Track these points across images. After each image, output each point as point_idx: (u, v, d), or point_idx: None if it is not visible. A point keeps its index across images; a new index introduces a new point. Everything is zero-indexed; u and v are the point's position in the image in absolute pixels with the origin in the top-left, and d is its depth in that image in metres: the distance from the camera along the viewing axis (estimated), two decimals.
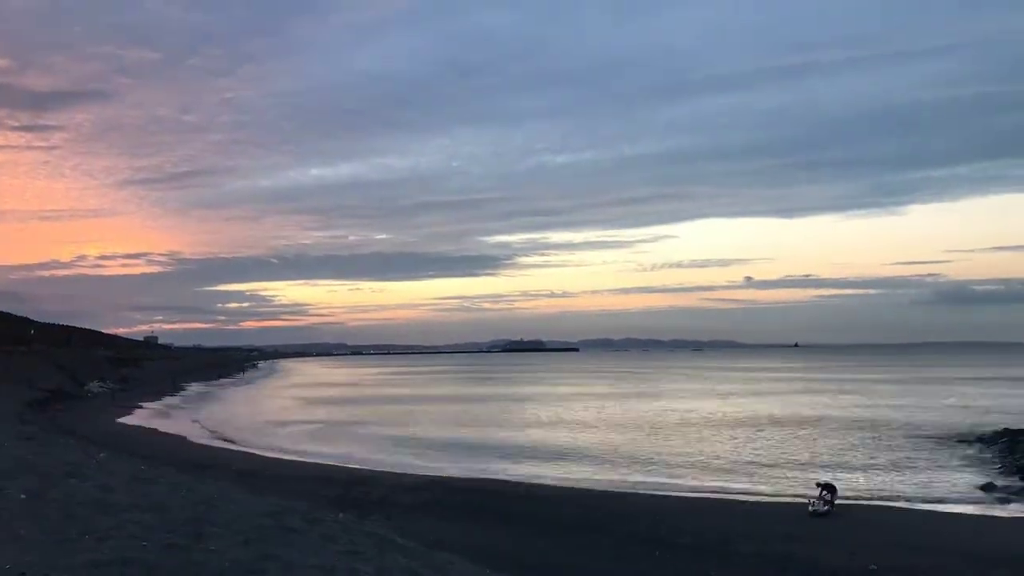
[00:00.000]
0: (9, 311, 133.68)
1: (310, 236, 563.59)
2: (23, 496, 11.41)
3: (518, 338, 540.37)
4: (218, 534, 9.84)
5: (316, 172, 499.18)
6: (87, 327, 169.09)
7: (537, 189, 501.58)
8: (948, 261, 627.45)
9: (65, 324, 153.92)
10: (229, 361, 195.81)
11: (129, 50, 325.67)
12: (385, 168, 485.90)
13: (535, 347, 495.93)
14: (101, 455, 21.25)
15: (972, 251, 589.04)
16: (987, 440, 40.25)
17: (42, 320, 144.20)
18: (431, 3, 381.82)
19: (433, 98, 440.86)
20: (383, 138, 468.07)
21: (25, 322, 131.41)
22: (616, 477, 32.20)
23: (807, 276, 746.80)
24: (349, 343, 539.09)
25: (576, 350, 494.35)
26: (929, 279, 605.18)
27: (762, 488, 29.43)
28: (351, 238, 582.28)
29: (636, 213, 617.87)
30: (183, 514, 10.96)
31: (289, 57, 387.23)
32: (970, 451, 37.65)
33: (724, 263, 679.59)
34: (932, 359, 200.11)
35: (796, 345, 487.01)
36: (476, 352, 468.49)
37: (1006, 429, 41.80)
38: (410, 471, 33.09)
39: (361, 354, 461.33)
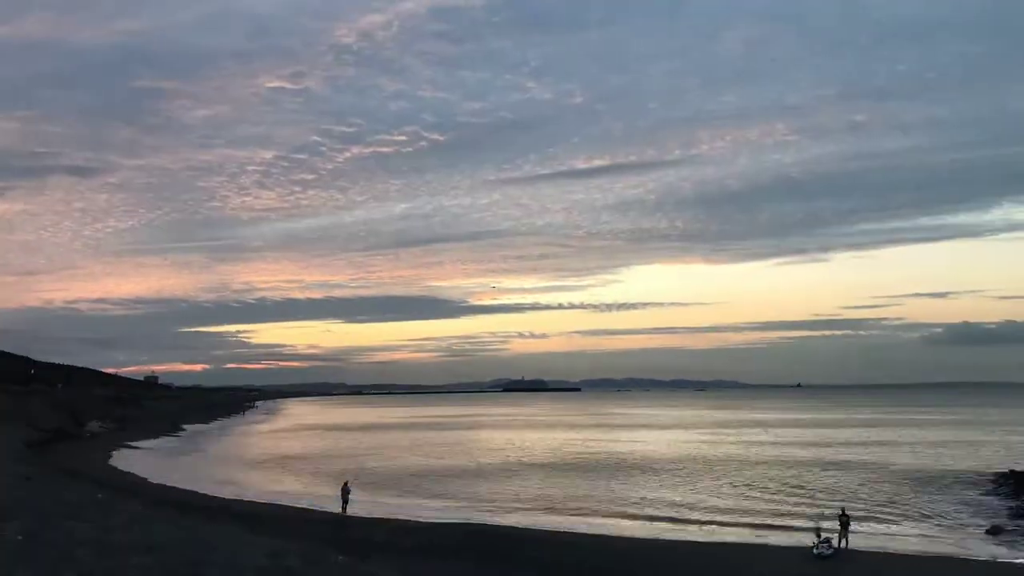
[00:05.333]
0: (8, 351, 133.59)
1: (265, 282, 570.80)
2: (19, 538, 11.33)
3: (519, 377, 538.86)
4: (217, 575, 9.75)
5: (250, 227, 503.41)
6: (84, 366, 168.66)
7: (464, 239, 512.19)
8: (880, 306, 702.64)
9: (65, 364, 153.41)
10: (229, 401, 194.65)
11: (37, 125, 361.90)
12: (311, 224, 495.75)
13: (537, 387, 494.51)
14: (100, 496, 21.13)
15: (896, 296, 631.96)
16: (992, 482, 39.89)
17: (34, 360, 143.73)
18: (289, 92, 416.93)
19: (325, 162, 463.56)
20: (295, 197, 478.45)
21: (24, 361, 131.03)
22: (623, 520, 31.90)
23: (810, 318, 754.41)
24: (349, 383, 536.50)
25: (578, 390, 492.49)
26: (885, 321, 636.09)
27: (768, 530, 29.11)
28: (308, 280, 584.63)
29: (571, 263, 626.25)
30: (182, 555, 10.86)
31: (178, 133, 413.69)
32: (976, 493, 37.26)
33: (681, 305, 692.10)
34: (928, 399, 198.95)
35: (799, 385, 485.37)
36: (479, 392, 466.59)
37: (1011, 471, 41.39)
38: (412, 515, 32.77)
39: (361, 394, 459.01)
